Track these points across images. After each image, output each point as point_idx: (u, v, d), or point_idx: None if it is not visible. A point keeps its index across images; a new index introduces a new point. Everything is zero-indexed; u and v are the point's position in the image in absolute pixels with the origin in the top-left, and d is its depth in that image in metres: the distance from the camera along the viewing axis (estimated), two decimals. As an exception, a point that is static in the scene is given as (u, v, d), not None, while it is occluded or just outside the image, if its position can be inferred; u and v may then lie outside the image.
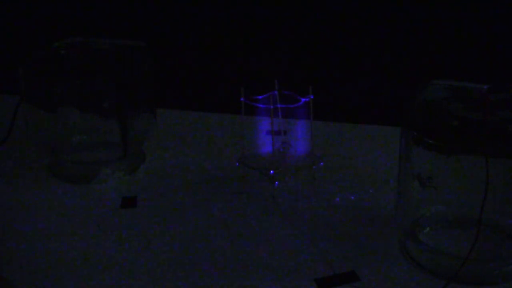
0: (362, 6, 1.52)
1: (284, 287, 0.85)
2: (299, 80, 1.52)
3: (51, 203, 1.08)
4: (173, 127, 1.41)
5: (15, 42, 1.71)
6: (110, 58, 1.17)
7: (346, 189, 1.11)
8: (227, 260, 0.91)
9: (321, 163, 1.12)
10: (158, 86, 1.22)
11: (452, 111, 0.86)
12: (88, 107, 1.20)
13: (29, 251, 0.94)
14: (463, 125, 0.84)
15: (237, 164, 1.10)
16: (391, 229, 0.97)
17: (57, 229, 1.00)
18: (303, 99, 1.05)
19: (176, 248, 0.94)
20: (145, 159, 1.23)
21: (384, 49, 1.53)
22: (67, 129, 1.21)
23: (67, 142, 1.21)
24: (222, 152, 1.27)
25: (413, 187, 0.90)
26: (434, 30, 1.49)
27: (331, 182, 1.14)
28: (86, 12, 1.68)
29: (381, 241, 0.95)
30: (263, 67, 1.57)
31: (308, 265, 0.90)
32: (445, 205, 0.94)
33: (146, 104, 1.21)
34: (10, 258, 0.92)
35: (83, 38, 1.20)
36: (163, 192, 1.12)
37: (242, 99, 1.06)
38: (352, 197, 1.09)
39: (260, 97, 1.05)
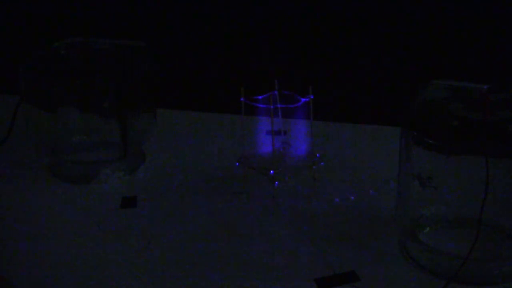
0: (362, 6, 1.52)
1: (284, 287, 0.85)
2: (299, 80, 1.52)
3: (51, 203, 1.08)
4: (173, 127, 1.41)
5: (15, 42, 1.71)
6: (110, 58, 1.17)
7: (346, 189, 1.11)
8: (227, 260, 0.91)
9: (321, 163, 1.12)
10: (158, 86, 1.22)
11: (452, 111, 0.86)
12: (88, 107, 1.20)
13: (29, 251, 0.94)
14: (463, 125, 0.84)
15: (237, 164, 1.10)
16: (391, 229, 0.97)
17: (57, 229, 1.00)
18: (303, 99, 1.05)
19: (176, 248, 0.94)
20: (145, 159, 1.23)
21: (384, 49, 1.53)
22: (67, 129, 1.21)
23: (67, 142, 1.21)
24: (222, 152, 1.27)
25: (413, 187, 0.90)
26: (434, 30, 1.49)
27: (331, 182, 1.14)
28: (86, 12, 1.68)
29: (381, 241, 0.95)
30: (263, 67, 1.57)
31: (308, 265, 0.90)
32: (445, 205, 0.94)
33: (146, 104, 1.21)
34: (10, 258, 0.92)
35: (83, 38, 1.20)
36: (163, 192, 1.12)
37: (242, 99, 1.06)
38: (352, 197, 1.09)
39: (260, 97, 1.05)
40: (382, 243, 0.95)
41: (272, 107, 1.03)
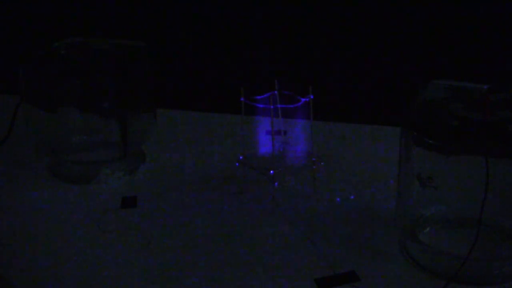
0: (362, 6, 1.52)
1: (284, 287, 0.85)
2: (299, 80, 1.52)
3: (51, 203, 1.08)
4: (173, 127, 1.41)
5: (15, 42, 1.71)
6: (110, 58, 1.17)
7: (346, 189, 1.11)
8: (227, 260, 0.91)
9: (321, 163, 1.12)
10: (158, 86, 1.22)
11: (452, 111, 0.86)
12: (88, 107, 1.20)
13: (29, 251, 0.94)
14: (463, 125, 0.84)
15: (237, 164, 1.10)
16: (391, 229, 0.97)
17: (57, 229, 1.00)
18: (303, 99, 1.05)
19: (176, 248, 0.94)
20: (145, 159, 1.23)
21: (384, 49, 1.53)
22: (67, 129, 1.21)
23: (67, 142, 1.21)
24: (222, 152, 1.27)
25: (413, 187, 0.90)
26: (434, 30, 1.49)
27: (331, 182, 1.14)
28: (86, 12, 1.68)
29: (381, 241, 0.95)
30: (263, 67, 1.57)
31: (308, 265, 0.90)
32: (445, 205, 0.94)
33: (146, 104, 1.21)
34: (10, 258, 0.92)
35: (83, 38, 1.20)
36: (163, 192, 1.12)
37: (242, 99, 1.06)
38: (352, 197, 1.09)
39: (260, 97, 1.05)
40: (382, 243, 0.95)
41: (272, 107, 1.03)
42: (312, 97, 1.05)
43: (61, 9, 1.68)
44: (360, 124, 1.40)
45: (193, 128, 1.41)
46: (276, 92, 1.08)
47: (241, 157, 1.10)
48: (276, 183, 1.06)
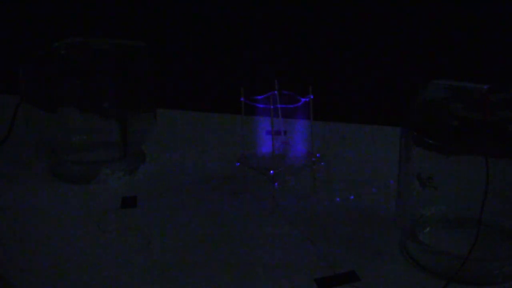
0: (362, 6, 1.52)
1: (284, 287, 0.85)
2: (299, 80, 1.52)
3: (51, 203, 1.08)
4: (173, 127, 1.41)
5: (15, 42, 1.71)
6: (110, 58, 1.17)
7: (346, 189, 1.11)
8: (227, 260, 0.91)
9: (321, 163, 1.11)
10: (158, 86, 1.22)
11: (452, 111, 0.86)
12: (88, 107, 1.20)
13: (29, 251, 0.94)
14: (463, 125, 0.84)
15: (237, 164, 1.10)
16: (391, 229, 0.97)
17: (57, 229, 1.00)
18: (303, 99, 1.05)
19: (176, 248, 0.94)
20: (145, 159, 1.23)
21: (384, 49, 1.53)
22: (67, 129, 1.21)
23: (67, 142, 1.21)
24: (222, 152, 1.27)
25: (413, 187, 0.90)
26: (434, 30, 1.49)
27: (331, 182, 1.14)
28: (86, 12, 1.68)
29: (381, 241, 0.95)
30: (263, 67, 1.57)
31: (308, 265, 0.90)
32: (445, 205, 0.94)
33: (146, 104, 1.21)
34: (10, 258, 0.92)
35: (83, 38, 1.20)
36: (163, 192, 1.12)
37: (242, 99, 1.06)
38: (352, 197, 1.09)
39: (260, 97, 1.05)
40: (382, 243, 0.95)
41: (272, 107, 1.03)
42: (312, 97, 1.05)
43: (61, 9, 1.68)
44: (360, 124, 1.40)
45: (193, 128, 1.41)
46: (276, 92, 1.08)
47: (241, 157, 1.10)
48: (276, 183, 1.06)
